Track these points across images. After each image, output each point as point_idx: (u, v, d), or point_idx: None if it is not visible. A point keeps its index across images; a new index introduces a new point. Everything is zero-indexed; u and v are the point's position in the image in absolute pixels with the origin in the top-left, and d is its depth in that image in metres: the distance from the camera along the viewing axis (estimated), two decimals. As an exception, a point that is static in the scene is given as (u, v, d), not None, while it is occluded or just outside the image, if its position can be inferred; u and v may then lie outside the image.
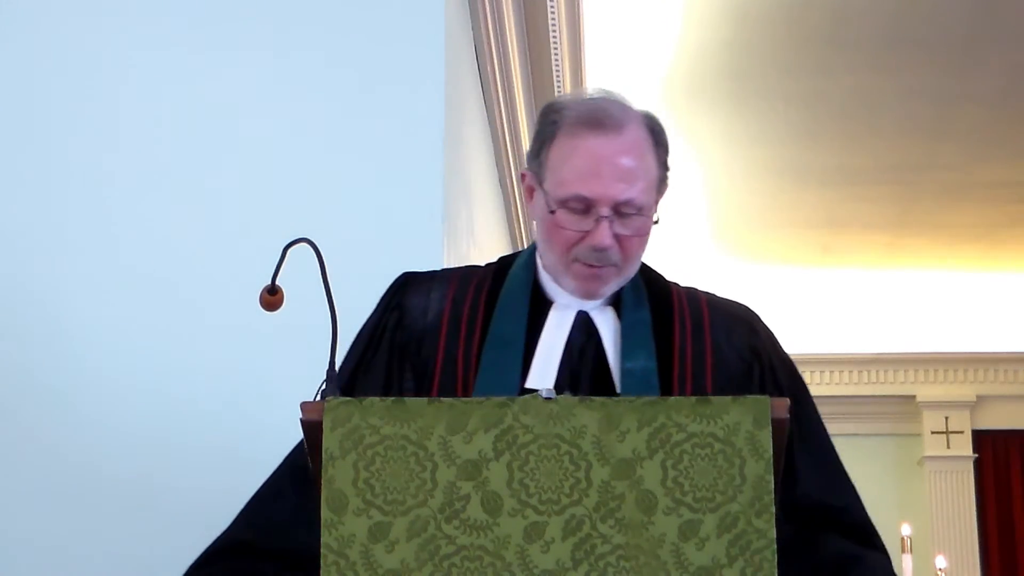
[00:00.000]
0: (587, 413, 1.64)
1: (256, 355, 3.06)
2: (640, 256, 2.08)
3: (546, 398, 1.67)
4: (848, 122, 6.64)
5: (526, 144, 5.78)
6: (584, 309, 2.08)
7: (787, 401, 1.70)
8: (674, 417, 1.64)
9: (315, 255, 1.87)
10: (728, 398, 1.67)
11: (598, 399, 1.67)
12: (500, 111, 5.05)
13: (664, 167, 2.08)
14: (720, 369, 2.06)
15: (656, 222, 2.05)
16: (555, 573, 1.60)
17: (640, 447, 1.63)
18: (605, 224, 1.99)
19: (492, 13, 4.48)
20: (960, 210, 7.85)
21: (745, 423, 1.63)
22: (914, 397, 9.82)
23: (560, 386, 2.00)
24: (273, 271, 1.89)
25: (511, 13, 4.81)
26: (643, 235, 2.04)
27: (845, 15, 5.59)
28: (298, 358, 2.72)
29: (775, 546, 1.60)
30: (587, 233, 2.00)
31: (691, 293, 2.15)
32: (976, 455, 9.89)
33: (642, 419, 1.64)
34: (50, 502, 3.02)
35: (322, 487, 1.65)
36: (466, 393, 2.01)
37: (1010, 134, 6.76)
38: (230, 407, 3.05)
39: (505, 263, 2.18)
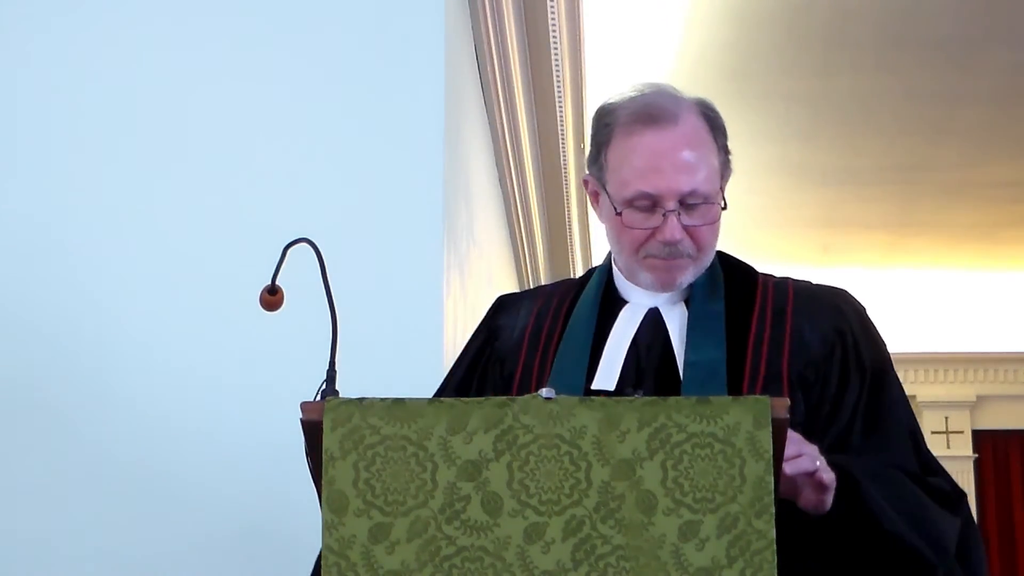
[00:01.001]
0: (587, 413, 1.64)
1: (256, 355, 3.06)
2: (714, 244, 2.06)
3: (546, 398, 1.66)
4: (848, 122, 6.64)
5: (526, 144, 5.80)
6: (656, 305, 2.07)
7: (787, 401, 1.68)
8: (674, 417, 1.63)
9: (315, 255, 1.87)
10: (728, 398, 1.67)
11: (598, 399, 1.67)
12: (500, 111, 5.05)
13: (725, 151, 2.07)
14: (798, 355, 2.02)
15: (724, 207, 2.04)
16: (555, 574, 1.60)
17: (640, 447, 1.63)
18: (672, 218, 1.99)
19: (492, 13, 4.48)
20: (960, 210, 7.86)
21: (745, 423, 1.63)
22: (914, 397, 9.83)
23: (623, 383, 2.00)
24: (273, 271, 1.89)
25: (511, 13, 4.81)
26: (713, 223, 2.03)
27: (845, 16, 5.59)
28: (298, 358, 2.72)
29: (775, 547, 1.60)
30: (656, 229, 2.00)
31: (780, 282, 2.13)
32: (976, 455, 9.90)
33: (642, 419, 1.63)
34: (48, 501, 3.02)
35: (322, 488, 1.65)
36: None
37: (1010, 134, 6.76)
38: (230, 407, 3.05)
39: (592, 273, 2.19)
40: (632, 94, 2.10)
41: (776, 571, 1.59)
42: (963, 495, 2.00)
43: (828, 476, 1.80)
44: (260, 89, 3.22)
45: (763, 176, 7.35)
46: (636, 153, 2.01)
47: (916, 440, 2.06)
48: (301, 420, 1.71)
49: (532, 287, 2.31)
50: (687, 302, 2.07)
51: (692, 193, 1.99)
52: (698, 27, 5.66)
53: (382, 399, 1.67)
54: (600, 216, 2.12)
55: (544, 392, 1.68)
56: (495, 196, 5.33)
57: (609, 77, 6.04)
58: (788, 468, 1.75)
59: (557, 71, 5.52)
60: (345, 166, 3.18)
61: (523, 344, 2.11)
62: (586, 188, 2.13)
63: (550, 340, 2.09)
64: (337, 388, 1.77)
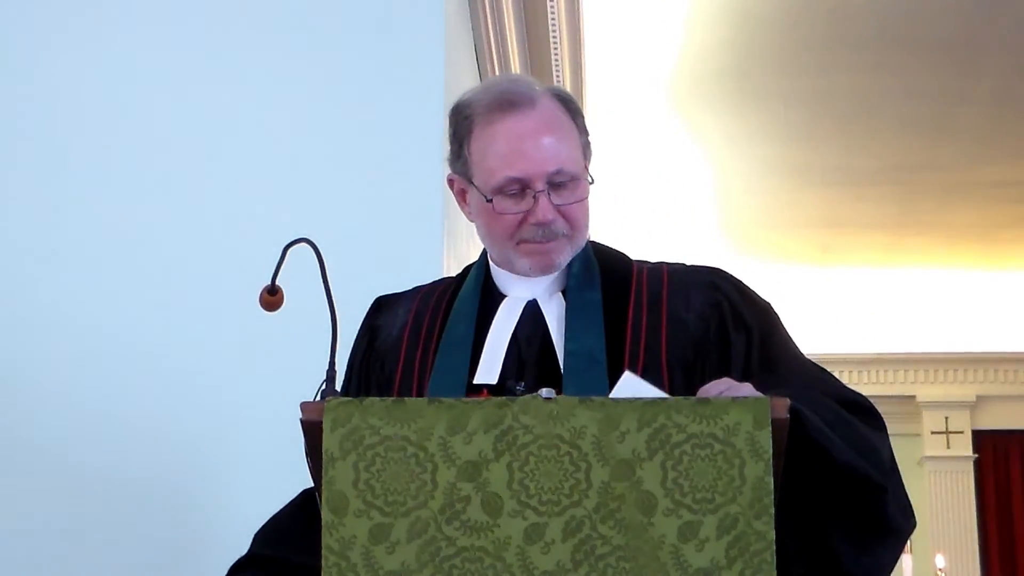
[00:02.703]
0: (587, 414, 1.64)
1: (256, 355, 3.06)
2: (586, 222, 2.07)
3: (546, 398, 1.66)
4: (848, 122, 6.64)
5: (526, 144, 5.78)
6: (534, 297, 2.08)
7: (787, 401, 1.69)
8: (674, 418, 1.63)
9: (315, 255, 1.87)
10: (728, 399, 1.67)
11: (598, 399, 1.67)
12: (500, 111, 5.04)
13: (584, 133, 2.09)
14: (676, 337, 2.02)
15: (592, 182, 2.05)
16: (555, 574, 1.60)
17: (640, 448, 1.62)
18: (543, 199, 2.00)
19: (492, 13, 4.49)
20: (960, 210, 7.86)
21: (745, 424, 1.63)
22: (914, 397, 9.82)
23: (505, 377, 2.00)
24: (273, 271, 1.89)
25: (511, 13, 4.82)
26: (582, 200, 2.04)
27: (845, 15, 5.59)
28: (298, 358, 2.72)
29: (774, 548, 1.60)
30: (528, 213, 2.01)
31: (655, 267, 2.13)
32: (976, 455, 9.89)
33: (642, 420, 1.63)
34: (47, 502, 3.02)
35: (322, 488, 1.64)
36: (420, 396, 2.00)
37: (1010, 134, 6.76)
38: (230, 407, 3.05)
39: (469, 270, 2.19)
40: (485, 86, 2.12)
41: (775, 572, 1.59)
42: (879, 413, 1.99)
43: None
44: (260, 89, 3.22)
45: (763, 176, 7.35)
46: (498, 140, 2.02)
47: (816, 368, 2.04)
48: (301, 420, 1.71)
49: (411, 287, 2.29)
50: (564, 293, 2.07)
51: (559, 172, 2.01)
52: (698, 27, 5.66)
53: (382, 399, 1.68)
54: (469, 214, 2.11)
55: (544, 392, 1.68)
56: (495, 196, 5.33)
57: (609, 77, 6.04)
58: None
59: (557, 71, 5.52)
60: (345, 166, 3.18)
61: (403, 342, 2.11)
62: (451, 189, 2.13)
63: (430, 337, 2.09)
64: (337, 388, 1.77)
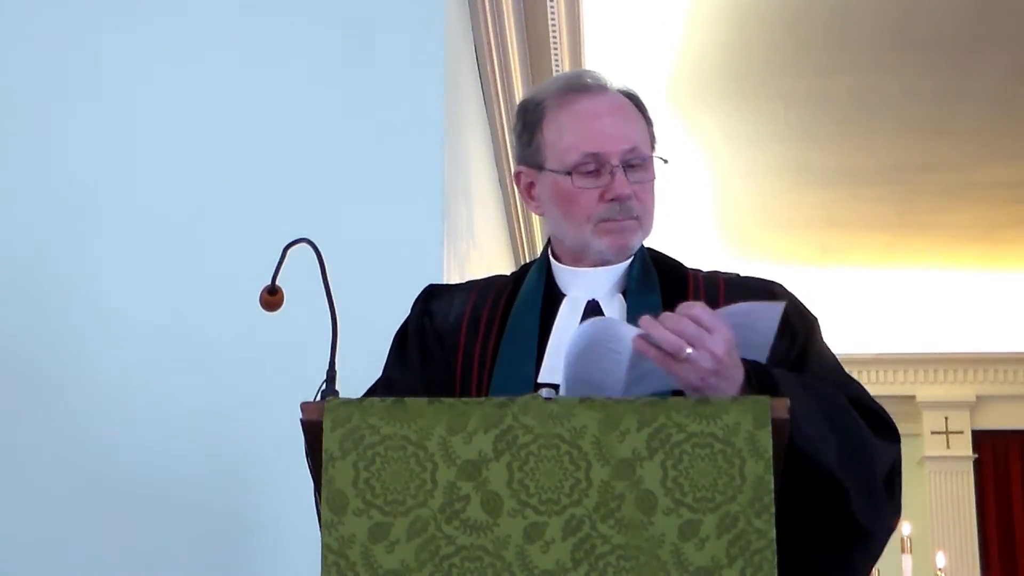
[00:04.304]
0: (587, 413, 1.64)
1: (256, 355, 3.06)
2: (654, 209, 2.11)
3: (546, 398, 1.67)
4: (848, 122, 6.64)
5: (526, 144, 5.77)
6: (595, 298, 2.09)
7: (786, 401, 1.69)
8: (674, 417, 1.64)
9: (315, 255, 1.88)
10: (728, 398, 1.67)
11: (598, 399, 1.67)
12: (500, 111, 5.05)
13: (651, 124, 2.14)
14: None
15: (666, 162, 2.10)
16: (555, 573, 1.60)
17: (640, 447, 1.63)
18: (620, 174, 2.03)
19: (492, 13, 4.49)
20: (960, 210, 7.86)
21: (745, 423, 1.63)
22: (914, 397, 9.82)
23: None
24: (273, 271, 1.89)
25: (511, 13, 4.82)
26: (653, 180, 2.09)
27: (845, 16, 5.59)
28: (298, 358, 2.72)
29: (775, 546, 1.60)
30: (604, 189, 2.04)
31: (711, 275, 2.16)
32: (976, 455, 9.90)
33: (642, 419, 1.64)
34: (47, 501, 3.02)
35: (322, 487, 1.65)
36: (481, 391, 2.02)
37: (1010, 134, 6.76)
38: (230, 407, 3.05)
39: (527, 269, 2.20)
40: (553, 79, 2.18)
41: (776, 570, 1.60)
42: (895, 428, 2.00)
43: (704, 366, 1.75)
44: (260, 89, 3.22)
45: (763, 176, 7.35)
46: (574, 119, 2.07)
47: (846, 376, 2.06)
48: (301, 420, 1.71)
49: (460, 282, 2.31)
50: (624, 295, 2.09)
51: (633, 151, 2.05)
52: (698, 27, 5.66)
53: (382, 399, 1.68)
54: (537, 208, 2.14)
55: (544, 392, 1.68)
56: (495, 196, 5.33)
57: (609, 77, 6.04)
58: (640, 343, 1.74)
59: (557, 71, 5.52)
60: (345, 166, 3.18)
61: (461, 332, 2.11)
62: (518, 183, 2.15)
63: (490, 331, 2.10)
64: (337, 388, 1.77)
